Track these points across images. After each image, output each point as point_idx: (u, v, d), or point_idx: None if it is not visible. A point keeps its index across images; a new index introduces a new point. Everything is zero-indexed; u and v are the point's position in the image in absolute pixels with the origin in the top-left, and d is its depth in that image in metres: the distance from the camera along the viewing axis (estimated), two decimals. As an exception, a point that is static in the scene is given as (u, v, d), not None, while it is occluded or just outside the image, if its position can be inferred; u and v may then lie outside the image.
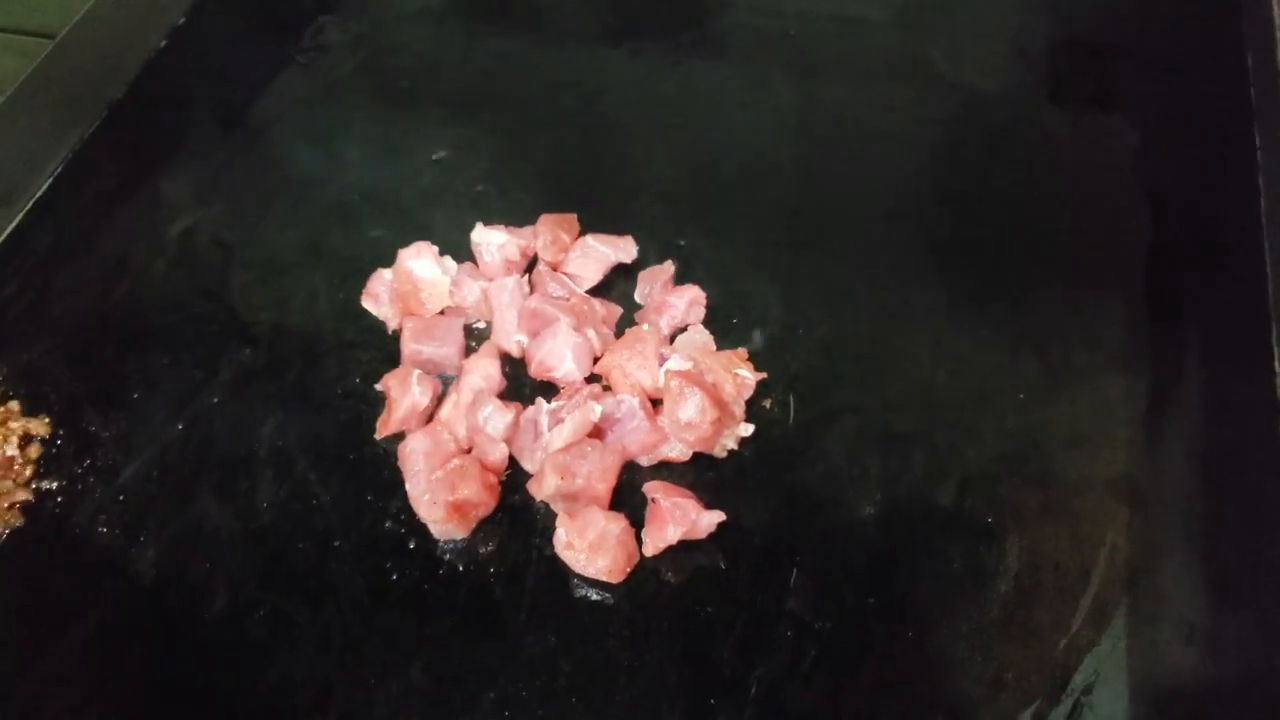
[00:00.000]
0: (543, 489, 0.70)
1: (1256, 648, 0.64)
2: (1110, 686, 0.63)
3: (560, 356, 0.76)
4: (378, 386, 0.78)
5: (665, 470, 0.74)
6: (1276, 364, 0.75)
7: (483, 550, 0.71)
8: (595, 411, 0.71)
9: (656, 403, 0.75)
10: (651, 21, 1.08)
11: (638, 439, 0.73)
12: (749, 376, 0.76)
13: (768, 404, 0.77)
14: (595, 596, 0.69)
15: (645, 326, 0.79)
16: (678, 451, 0.74)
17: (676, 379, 0.73)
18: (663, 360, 0.76)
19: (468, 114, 1.00)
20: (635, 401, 0.73)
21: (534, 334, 0.78)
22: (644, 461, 0.74)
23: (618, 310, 0.82)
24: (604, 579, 0.68)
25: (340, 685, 0.66)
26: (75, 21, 1.00)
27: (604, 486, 0.70)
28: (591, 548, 0.68)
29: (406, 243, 0.83)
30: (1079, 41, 1.03)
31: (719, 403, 0.73)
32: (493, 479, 0.72)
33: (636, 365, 0.75)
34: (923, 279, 0.85)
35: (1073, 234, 0.87)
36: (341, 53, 1.07)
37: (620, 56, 1.05)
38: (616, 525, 0.69)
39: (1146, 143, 0.93)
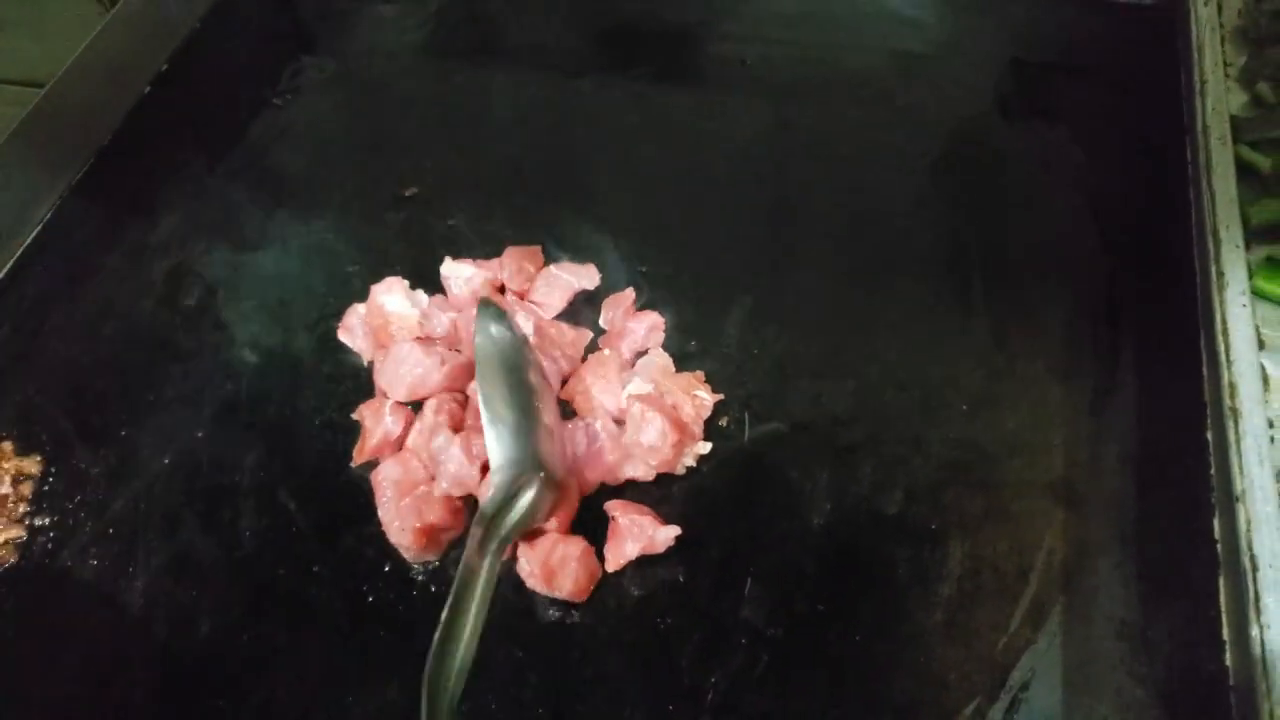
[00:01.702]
0: None
1: (1184, 642, 0.68)
2: (1046, 682, 0.67)
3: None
4: (353, 416, 0.82)
5: (628, 487, 0.78)
6: (1204, 370, 0.78)
7: (453, 571, 0.74)
8: None
9: (619, 423, 0.79)
10: (617, 54, 1.12)
11: (603, 461, 0.77)
12: (706, 398, 0.80)
13: (724, 422, 0.81)
14: (559, 612, 0.72)
15: (607, 351, 0.83)
16: (641, 471, 0.78)
17: (638, 404, 0.76)
18: (624, 384, 0.80)
19: (438, 149, 1.04)
20: (599, 425, 0.77)
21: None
22: (610, 481, 0.78)
23: (587, 334, 0.86)
24: (568, 599, 0.72)
25: (321, 705, 0.70)
26: (62, 72, 1.03)
27: (564, 517, 0.74)
28: (553, 573, 0.72)
29: (380, 278, 0.87)
30: (1024, 62, 1.07)
31: (679, 425, 0.77)
32: (458, 503, 0.76)
33: (600, 389, 0.79)
34: (873, 296, 0.88)
35: (1019, 247, 0.91)
36: (317, 93, 1.11)
37: (586, 88, 1.09)
38: (575, 548, 0.72)
39: (1088, 157, 0.96)
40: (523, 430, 0.71)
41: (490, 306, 0.76)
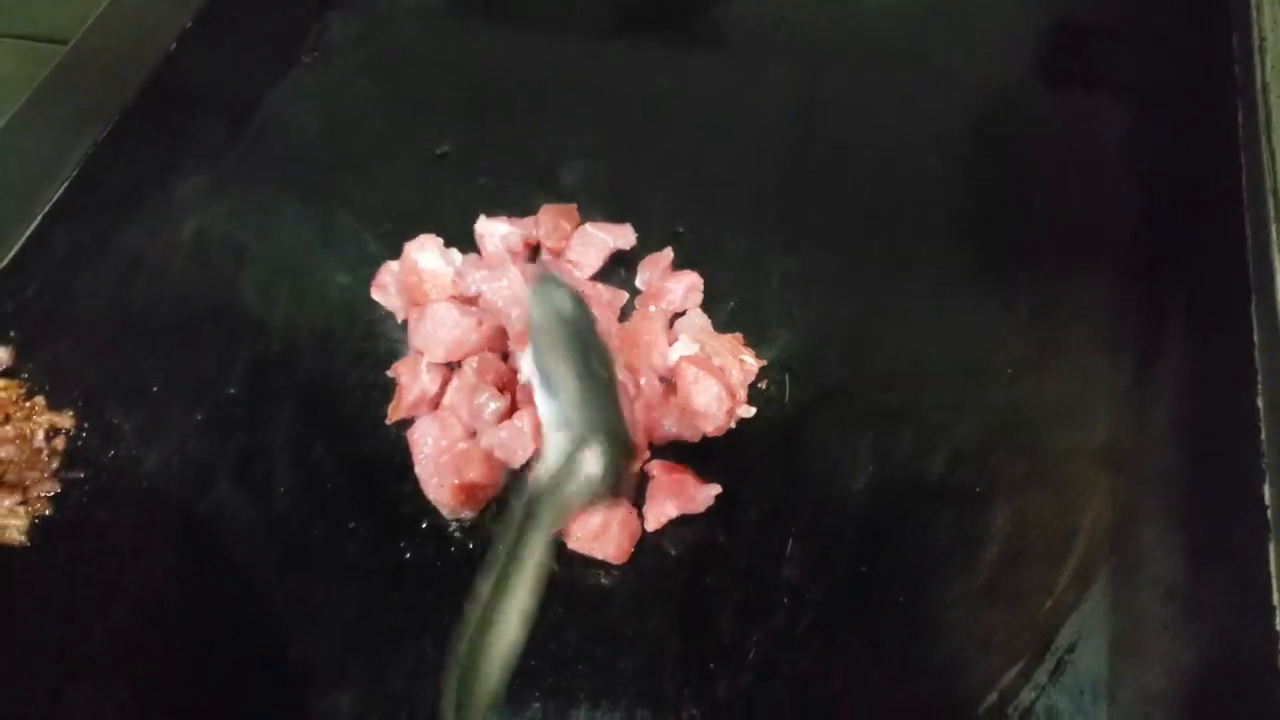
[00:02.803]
0: None
1: (1232, 606, 0.67)
2: (1093, 645, 0.66)
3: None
4: (388, 373, 0.81)
5: (665, 448, 0.77)
6: (1255, 335, 0.77)
7: (491, 528, 0.74)
8: None
9: (664, 382, 0.78)
10: (650, 14, 1.11)
11: (649, 420, 0.76)
12: (751, 362, 0.79)
13: (764, 385, 0.80)
14: (599, 570, 0.72)
15: (652, 308, 0.82)
16: (689, 432, 0.77)
17: (691, 366, 0.76)
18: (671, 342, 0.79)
19: (469, 108, 1.03)
20: (644, 383, 0.76)
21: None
22: (655, 441, 0.77)
23: (623, 295, 0.85)
24: (610, 561, 0.71)
25: (357, 661, 0.69)
26: (86, 28, 1.02)
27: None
28: (596, 537, 0.71)
29: (413, 235, 0.86)
30: (1067, 24, 1.05)
31: (729, 389, 0.76)
32: (498, 461, 0.75)
33: (647, 346, 0.78)
34: (914, 260, 0.87)
35: (1061, 212, 0.90)
36: (346, 51, 1.10)
37: (619, 49, 1.08)
38: (618, 511, 0.72)
39: (1132, 122, 0.95)
40: (590, 396, 0.62)
41: (550, 275, 0.69)
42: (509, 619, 0.54)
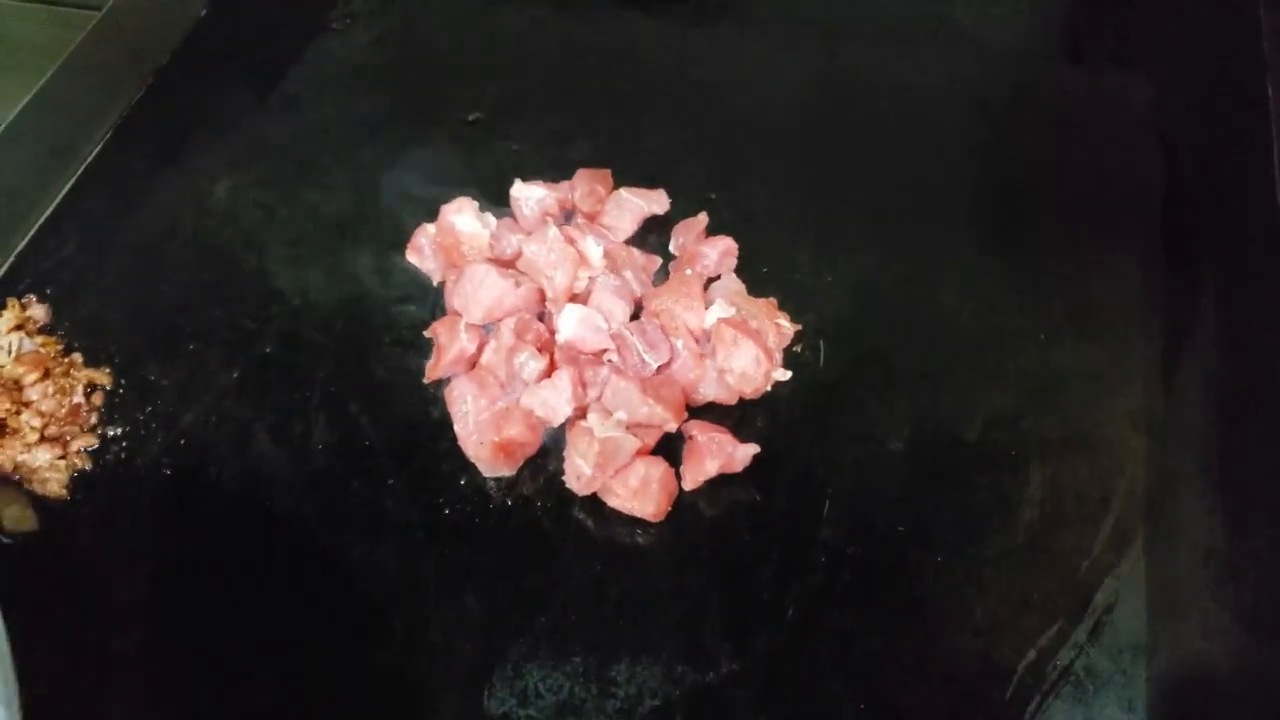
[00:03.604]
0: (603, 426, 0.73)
1: (1268, 568, 0.67)
2: (1130, 605, 0.67)
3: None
4: (426, 334, 0.81)
5: (702, 410, 0.78)
6: (1290, 302, 0.78)
7: (529, 486, 0.74)
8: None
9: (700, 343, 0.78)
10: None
11: (686, 380, 0.76)
12: (787, 326, 0.80)
13: (799, 348, 0.80)
14: (638, 528, 0.72)
15: (689, 271, 0.82)
16: (725, 394, 0.77)
17: (729, 329, 0.76)
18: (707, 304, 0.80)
19: (499, 76, 1.03)
20: (680, 344, 0.76)
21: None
22: (690, 403, 0.77)
23: (657, 260, 0.85)
24: (648, 520, 0.72)
25: (397, 614, 0.70)
26: (117, -7, 1.03)
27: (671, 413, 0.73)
28: (635, 494, 0.71)
29: (447, 199, 0.86)
30: (1096, -1, 1.05)
31: (767, 352, 0.76)
32: (536, 420, 0.75)
33: (684, 307, 0.78)
34: (947, 227, 0.88)
35: (1092, 183, 0.90)
36: (373, 19, 1.10)
37: (645, 17, 1.08)
38: (658, 469, 0.72)
39: (1162, 96, 0.95)
40: None
41: None
42: None
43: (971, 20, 1.04)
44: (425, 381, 0.79)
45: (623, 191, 0.87)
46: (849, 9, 1.06)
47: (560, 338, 0.77)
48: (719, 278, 0.83)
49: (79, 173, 0.95)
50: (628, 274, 0.81)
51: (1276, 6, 0.96)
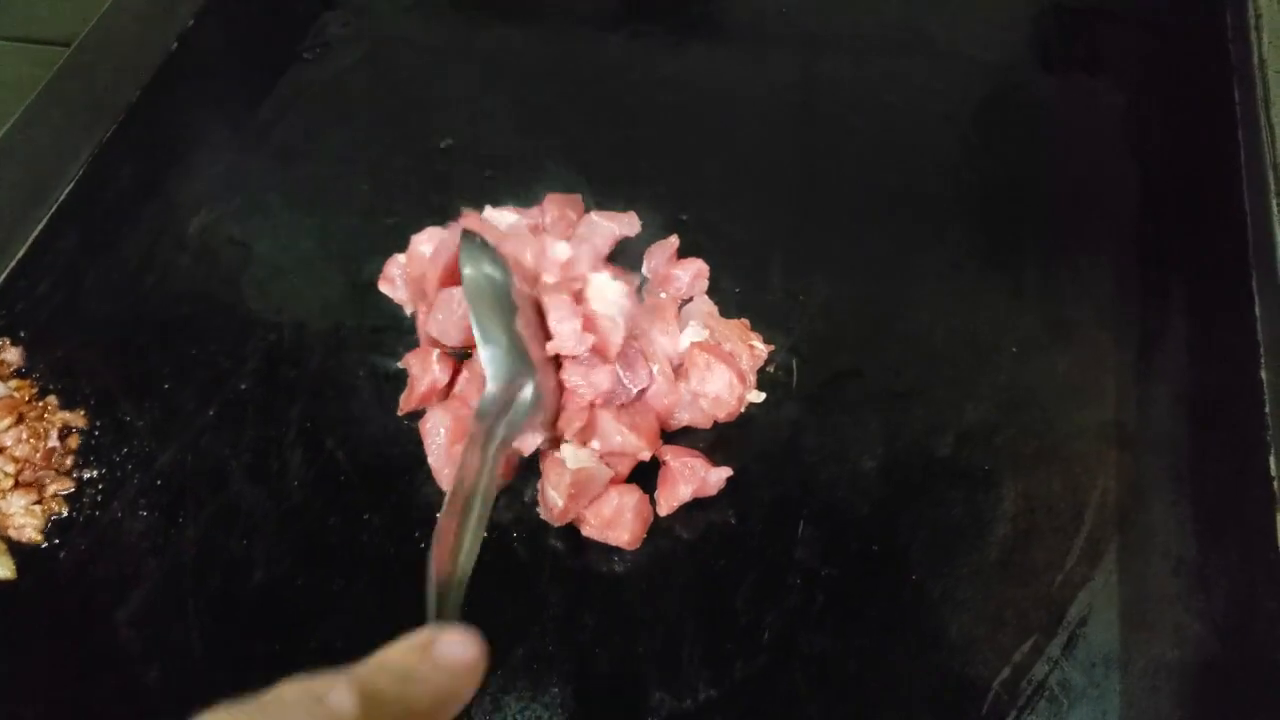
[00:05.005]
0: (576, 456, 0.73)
1: (1239, 578, 0.68)
2: (1103, 618, 0.67)
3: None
4: (399, 365, 0.81)
5: (677, 434, 0.78)
6: (1257, 309, 0.78)
7: (505, 515, 0.74)
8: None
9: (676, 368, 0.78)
10: (651, 4, 1.11)
11: (660, 406, 0.76)
12: (761, 347, 0.80)
13: (771, 368, 0.81)
14: (613, 555, 0.72)
15: (663, 295, 0.82)
16: (701, 418, 0.77)
17: (702, 353, 0.76)
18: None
19: (471, 101, 1.03)
20: (656, 370, 0.76)
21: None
22: (665, 427, 0.78)
23: (637, 277, 0.85)
24: (623, 548, 0.72)
25: (376, 649, 0.70)
26: (88, 29, 1.03)
27: (646, 441, 0.74)
28: (609, 524, 0.71)
29: (419, 228, 0.87)
30: (1065, 8, 1.06)
31: (740, 375, 0.77)
32: (512, 450, 0.75)
33: (659, 332, 0.79)
34: (920, 242, 0.88)
35: (1063, 194, 0.91)
36: (345, 47, 1.10)
37: (620, 39, 1.08)
38: (631, 498, 0.72)
39: (1131, 104, 0.96)
40: (514, 347, 0.73)
41: (475, 237, 0.78)
42: (472, 528, 0.62)
43: (944, 34, 1.04)
44: (400, 414, 0.80)
45: (593, 215, 0.88)
46: (821, 28, 1.06)
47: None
48: (691, 299, 0.84)
49: (50, 213, 0.95)
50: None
51: (1242, 10, 0.96)
